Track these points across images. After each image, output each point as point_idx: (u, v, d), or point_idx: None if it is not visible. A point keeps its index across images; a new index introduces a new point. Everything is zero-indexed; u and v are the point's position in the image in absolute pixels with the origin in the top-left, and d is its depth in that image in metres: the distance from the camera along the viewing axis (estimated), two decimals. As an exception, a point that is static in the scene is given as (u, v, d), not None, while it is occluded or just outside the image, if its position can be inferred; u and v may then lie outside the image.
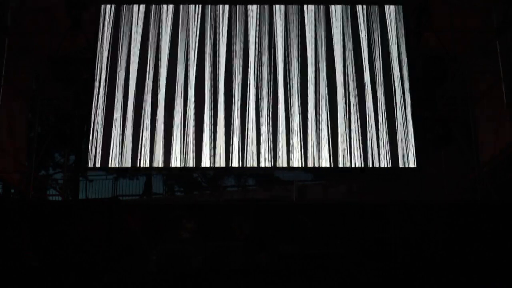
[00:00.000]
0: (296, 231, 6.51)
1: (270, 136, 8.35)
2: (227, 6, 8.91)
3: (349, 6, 8.94)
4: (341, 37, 8.81)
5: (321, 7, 8.94)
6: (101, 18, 8.86)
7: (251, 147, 8.31)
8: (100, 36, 8.79)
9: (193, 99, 8.53)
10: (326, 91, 8.55)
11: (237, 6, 8.91)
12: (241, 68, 8.66)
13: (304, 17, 8.90)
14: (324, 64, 8.68)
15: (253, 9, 8.91)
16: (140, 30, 8.81)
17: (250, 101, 8.52)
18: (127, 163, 8.30)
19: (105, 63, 8.68)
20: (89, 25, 9.11)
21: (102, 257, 6.25)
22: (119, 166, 8.36)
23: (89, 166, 8.35)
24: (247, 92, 8.55)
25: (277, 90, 8.58)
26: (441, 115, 8.49)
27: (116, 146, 8.33)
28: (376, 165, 8.25)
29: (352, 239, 6.39)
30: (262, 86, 8.58)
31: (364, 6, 8.95)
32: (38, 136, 9.25)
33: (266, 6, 8.91)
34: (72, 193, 12.99)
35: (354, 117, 8.47)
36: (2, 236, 6.15)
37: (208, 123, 8.42)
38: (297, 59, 8.71)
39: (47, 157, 13.24)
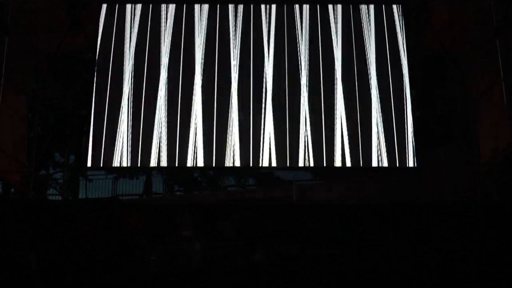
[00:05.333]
0: (296, 231, 6.52)
1: (269, 136, 8.35)
2: (231, 6, 8.89)
3: (349, 6, 8.94)
4: (341, 37, 8.80)
5: (319, 6, 8.93)
6: (101, 18, 8.86)
7: (251, 147, 8.32)
8: (100, 36, 8.79)
9: (193, 99, 8.53)
10: (325, 91, 8.55)
11: (238, 5, 8.90)
12: (241, 68, 8.66)
13: (303, 17, 8.90)
14: (323, 64, 8.68)
15: (256, 10, 8.91)
16: (140, 30, 8.81)
17: (250, 101, 8.52)
18: (127, 163, 8.30)
19: (105, 63, 8.68)
20: (89, 25, 9.10)
21: (102, 257, 6.26)
22: (119, 165, 8.36)
23: (89, 166, 8.35)
24: (248, 92, 8.56)
25: (277, 90, 8.58)
26: (440, 115, 8.50)
27: (116, 145, 8.34)
28: (376, 164, 8.25)
29: (351, 239, 6.39)
30: (262, 86, 8.58)
31: (363, 6, 8.94)
32: (38, 136, 9.23)
33: (274, 6, 8.91)
34: (72, 193, 12.99)
35: (353, 117, 8.46)
36: (2, 236, 6.15)
37: (209, 123, 8.42)
38: (296, 59, 8.71)
39: (47, 157, 13.23)
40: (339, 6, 8.95)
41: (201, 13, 8.90)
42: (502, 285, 6.05)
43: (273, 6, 8.92)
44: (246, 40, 8.77)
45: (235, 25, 8.84)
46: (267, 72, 8.62)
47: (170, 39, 8.78)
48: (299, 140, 8.36)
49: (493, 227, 6.43)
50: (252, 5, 8.91)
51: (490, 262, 6.20)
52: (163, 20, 8.86)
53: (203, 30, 8.81)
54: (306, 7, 8.93)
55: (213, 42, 8.76)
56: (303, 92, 8.56)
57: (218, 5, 8.91)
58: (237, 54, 8.71)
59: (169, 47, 8.74)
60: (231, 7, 8.89)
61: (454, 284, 6.08)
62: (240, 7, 8.91)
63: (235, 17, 8.88)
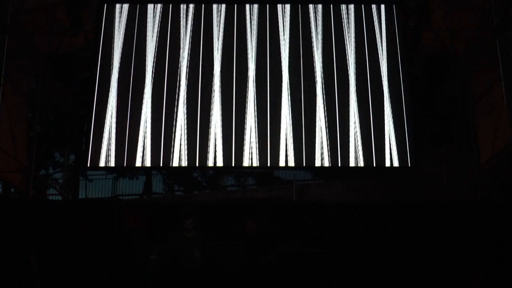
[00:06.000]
0: (296, 231, 6.52)
1: (269, 136, 8.35)
2: (233, 6, 8.90)
3: (348, 5, 8.94)
4: (340, 36, 8.80)
5: (318, 6, 8.93)
6: (101, 18, 8.84)
7: (251, 147, 8.31)
8: (100, 35, 8.77)
9: (193, 99, 8.53)
10: (323, 91, 8.55)
11: (235, 5, 8.90)
12: (240, 68, 8.66)
13: (303, 17, 8.89)
14: (323, 64, 8.68)
15: (255, 10, 8.91)
16: (140, 29, 8.81)
17: (249, 101, 8.52)
18: (127, 163, 8.30)
19: (105, 62, 8.67)
20: (88, 24, 9.11)
21: (102, 256, 6.26)
22: (119, 165, 8.36)
23: (89, 165, 8.34)
24: (247, 92, 8.56)
25: (276, 89, 8.57)
26: (440, 114, 8.49)
27: (116, 145, 8.33)
28: (374, 164, 8.24)
29: (351, 239, 6.39)
30: (261, 85, 8.58)
31: (363, 6, 8.93)
32: (38, 135, 9.24)
33: (267, 6, 8.91)
34: (72, 193, 13.01)
35: (352, 116, 8.46)
36: (2, 236, 6.15)
37: (209, 122, 8.42)
38: (295, 59, 8.70)
39: (47, 156, 13.24)
40: (338, 6, 8.94)
41: (204, 13, 8.90)
42: (502, 285, 6.05)
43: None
44: (244, 42, 8.77)
45: (238, 26, 8.85)
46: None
47: (172, 38, 8.78)
48: (298, 139, 8.36)
49: (493, 227, 6.43)
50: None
51: (490, 262, 6.20)
52: (163, 19, 8.86)
53: (206, 29, 8.81)
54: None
55: (215, 43, 8.76)
56: (299, 92, 8.56)
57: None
58: (234, 55, 8.72)
59: (171, 46, 8.74)
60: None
61: (454, 284, 6.08)
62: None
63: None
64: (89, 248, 6.32)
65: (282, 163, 8.26)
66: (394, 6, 8.92)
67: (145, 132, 8.37)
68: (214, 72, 8.62)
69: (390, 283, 6.07)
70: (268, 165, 8.29)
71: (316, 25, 8.83)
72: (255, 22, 8.85)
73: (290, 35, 8.78)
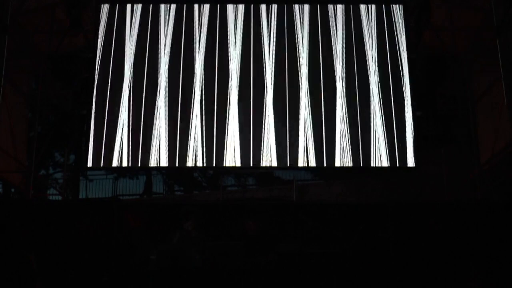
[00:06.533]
0: (296, 230, 6.51)
1: (270, 136, 8.35)
2: (230, 6, 8.90)
3: (349, 5, 8.93)
4: (341, 37, 8.80)
5: (320, 6, 8.93)
6: (101, 18, 8.84)
7: (250, 147, 8.32)
8: (100, 35, 8.77)
9: (193, 99, 8.53)
10: (325, 90, 8.55)
11: (234, 5, 8.90)
12: (241, 68, 8.66)
13: (304, 17, 8.89)
14: (324, 64, 8.68)
15: (256, 9, 8.91)
16: (140, 29, 8.80)
17: (250, 101, 8.52)
18: (127, 163, 8.30)
19: (105, 62, 8.67)
20: (88, 24, 9.11)
21: (102, 256, 6.26)
22: (119, 165, 8.36)
23: (89, 165, 8.34)
24: (249, 92, 8.56)
25: (277, 89, 8.57)
26: (441, 114, 8.49)
27: (116, 145, 8.33)
28: (375, 164, 8.24)
29: (351, 239, 6.39)
30: (262, 85, 8.58)
31: (364, 6, 8.93)
32: (38, 135, 9.24)
33: (274, 6, 8.91)
34: (72, 193, 13.00)
35: (353, 116, 8.45)
36: (2, 236, 6.15)
37: (208, 122, 8.41)
38: (297, 58, 8.70)
39: (47, 156, 13.24)
40: (339, 6, 8.94)
41: (200, 13, 8.89)
42: (502, 285, 6.05)
43: (274, 6, 8.91)
44: (246, 40, 8.77)
45: (235, 25, 8.84)
46: (267, 71, 8.62)
47: (171, 38, 8.77)
48: (299, 139, 8.35)
49: (493, 227, 6.42)
50: (252, 5, 8.91)
51: (490, 262, 6.20)
52: (163, 20, 8.85)
53: (204, 30, 8.81)
54: (307, 7, 8.93)
55: (213, 42, 8.75)
56: (303, 92, 8.56)
57: (218, 5, 8.90)
58: (237, 54, 8.71)
59: (169, 47, 8.74)
60: (230, 7, 8.89)
61: (454, 284, 6.08)
62: (241, 7, 8.90)
63: (235, 17, 8.88)
64: (89, 248, 6.32)
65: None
66: (396, 6, 8.91)
67: (145, 132, 8.37)
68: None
69: (390, 283, 6.07)
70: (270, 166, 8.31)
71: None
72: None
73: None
